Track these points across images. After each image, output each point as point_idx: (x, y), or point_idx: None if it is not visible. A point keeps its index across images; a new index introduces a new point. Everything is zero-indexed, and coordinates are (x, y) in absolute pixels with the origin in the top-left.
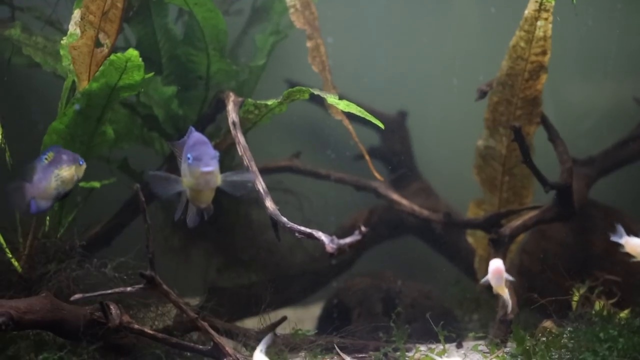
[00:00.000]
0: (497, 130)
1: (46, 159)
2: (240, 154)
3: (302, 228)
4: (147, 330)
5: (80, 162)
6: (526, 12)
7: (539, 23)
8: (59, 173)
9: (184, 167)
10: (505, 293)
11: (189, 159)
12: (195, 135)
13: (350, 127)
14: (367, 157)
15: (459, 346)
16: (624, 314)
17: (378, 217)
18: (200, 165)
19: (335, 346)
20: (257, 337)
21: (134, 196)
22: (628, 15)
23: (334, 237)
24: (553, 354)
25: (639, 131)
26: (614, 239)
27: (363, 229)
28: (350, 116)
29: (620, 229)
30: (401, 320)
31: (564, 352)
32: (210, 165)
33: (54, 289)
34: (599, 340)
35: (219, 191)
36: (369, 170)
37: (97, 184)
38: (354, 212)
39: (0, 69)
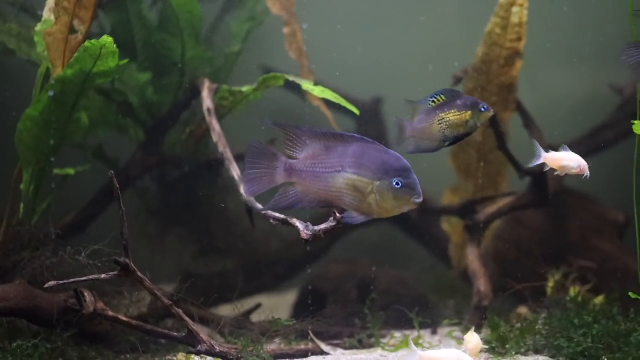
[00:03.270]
0: None
1: (433, 101)
2: (215, 140)
3: (277, 215)
4: (122, 317)
5: (483, 109)
6: None
7: (514, 9)
8: (444, 117)
9: (382, 187)
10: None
11: (397, 183)
12: (397, 156)
13: (328, 113)
14: None
15: (434, 333)
16: (598, 300)
17: None
18: (414, 196)
19: (310, 333)
20: (232, 324)
21: (109, 183)
22: (604, 1)
23: (309, 223)
24: (528, 340)
25: (615, 118)
26: (534, 163)
27: (338, 215)
28: (326, 103)
29: (537, 147)
30: (376, 307)
31: (538, 338)
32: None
33: (28, 277)
34: (573, 327)
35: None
36: None
37: (71, 171)
38: None
39: None
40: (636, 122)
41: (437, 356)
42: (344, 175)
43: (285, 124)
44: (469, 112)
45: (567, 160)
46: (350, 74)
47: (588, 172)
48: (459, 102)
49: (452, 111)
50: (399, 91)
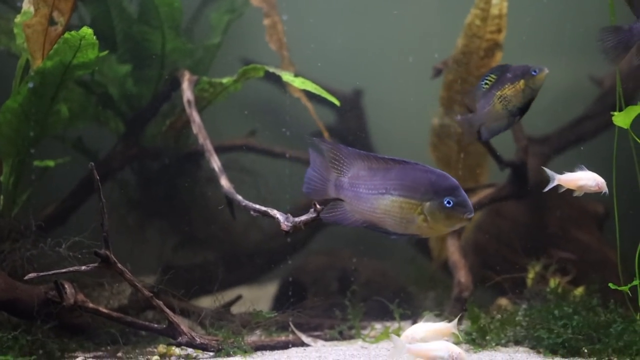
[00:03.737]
0: (452, 108)
1: (486, 83)
2: (195, 132)
3: (257, 206)
4: (102, 309)
5: (534, 72)
6: None
7: (494, 1)
8: (501, 94)
9: (433, 207)
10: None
11: (448, 202)
12: (443, 174)
13: (309, 104)
14: (326, 134)
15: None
16: (578, 291)
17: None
18: (466, 213)
19: (291, 324)
20: (213, 316)
21: (89, 175)
22: None
23: (289, 215)
24: (508, 331)
25: (594, 109)
26: (549, 187)
27: (318, 207)
28: (306, 94)
29: (549, 173)
30: (357, 299)
31: (518, 330)
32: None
33: (7, 269)
34: (553, 318)
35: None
36: None
37: (51, 163)
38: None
39: None
40: (615, 113)
41: (425, 348)
42: (389, 197)
43: (331, 142)
44: (522, 81)
45: (584, 180)
46: (330, 65)
47: (606, 189)
48: (509, 74)
49: (506, 85)
50: (380, 83)
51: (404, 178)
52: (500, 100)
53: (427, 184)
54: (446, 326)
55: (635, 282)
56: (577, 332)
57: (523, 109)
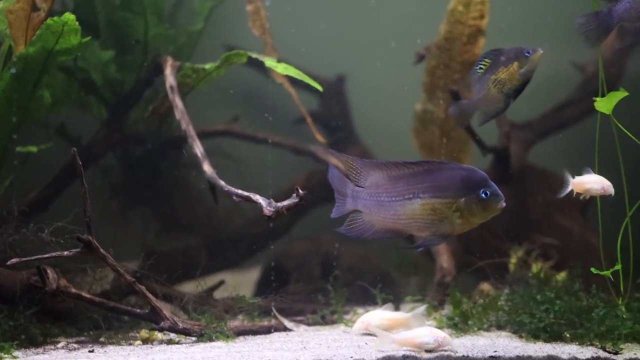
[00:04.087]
0: (435, 94)
1: (480, 68)
2: (178, 118)
3: (240, 191)
4: (85, 294)
5: (527, 53)
6: None
7: None
8: (496, 77)
9: (469, 202)
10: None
11: (485, 194)
12: (472, 168)
13: (292, 90)
14: (309, 119)
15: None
16: (560, 276)
17: (316, 180)
18: (500, 201)
19: (273, 309)
20: (195, 301)
21: (72, 160)
22: None
23: (272, 200)
24: (490, 316)
25: (577, 96)
26: (564, 192)
27: (300, 192)
28: (290, 80)
29: (566, 176)
30: (339, 284)
31: (501, 315)
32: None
33: None
34: (535, 303)
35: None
36: (308, 134)
37: (34, 149)
38: (292, 175)
39: None
40: (597, 99)
41: (410, 336)
42: (418, 201)
43: (348, 156)
44: (516, 63)
45: (590, 184)
46: (314, 51)
47: (612, 192)
48: (502, 58)
49: (500, 69)
50: (363, 68)
51: (434, 179)
52: (495, 84)
53: (459, 181)
54: (404, 316)
55: (617, 267)
56: (559, 317)
57: (518, 91)
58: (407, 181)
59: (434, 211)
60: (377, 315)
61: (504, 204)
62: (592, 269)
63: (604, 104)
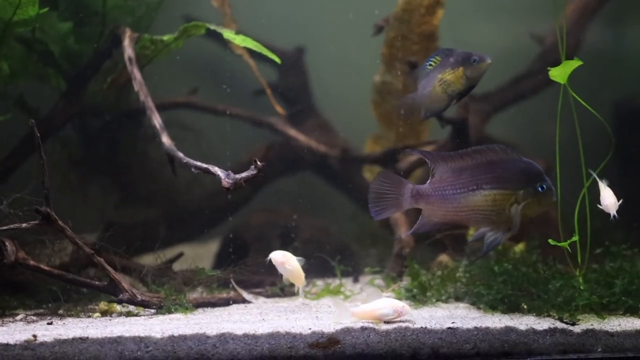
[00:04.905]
0: (393, 65)
1: (430, 65)
2: (136, 89)
3: (198, 163)
4: (43, 266)
5: (474, 61)
6: None
7: None
8: (442, 77)
9: (527, 194)
10: (298, 281)
11: (541, 187)
12: (530, 161)
13: (251, 61)
14: (269, 91)
15: (356, 281)
16: (518, 248)
17: (275, 152)
18: (553, 196)
19: (232, 281)
20: (155, 273)
21: (30, 132)
22: None
23: (230, 172)
24: (448, 287)
25: (536, 67)
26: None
27: (259, 163)
28: (249, 52)
29: (601, 184)
30: (298, 255)
31: (459, 286)
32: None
33: None
34: (493, 274)
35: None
36: (266, 106)
37: None
38: (251, 147)
39: None
40: (552, 68)
41: (369, 308)
42: (481, 192)
43: (424, 151)
44: (462, 68)
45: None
46: (273, 23)
47: (614, 212)
48: (451, 59)
49: (447, 70)
50: (321, 40)
51: (495, 170)
52: (440, 83)
53: (519, 173)
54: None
55: (574, 239)
56: (516, 289)
57: (461, 94)
58: (471, 172)
59: (495, 202)
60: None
61: (555, 199)
62: (550, 241)
63: (559, 73)
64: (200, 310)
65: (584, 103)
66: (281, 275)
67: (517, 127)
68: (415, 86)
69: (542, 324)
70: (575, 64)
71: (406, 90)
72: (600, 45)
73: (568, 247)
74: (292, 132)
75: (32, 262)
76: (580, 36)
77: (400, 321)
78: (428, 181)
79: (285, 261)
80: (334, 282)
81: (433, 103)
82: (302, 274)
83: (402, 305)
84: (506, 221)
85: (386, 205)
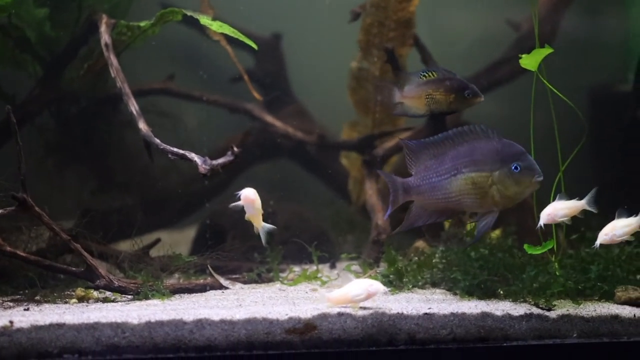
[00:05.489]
0: (370, 52)
1: (424, 76)
2: (113, 75)
3: (175, 149)
4: (20, 252)
5: (468, 94)
6: None
7: None
8: (431, 93)
9: (502, 175)
10: (258, 223)
11: (516, 168)
12: (509, 142)
13: (228, 47)
14: (246, 77)
15: (332, 267)
16: (495, 233)
17: (252, 139)
18: (535, 175)
19: (209, 267)
20: (132, 259)
21: (6, 118)
22: None
23: (207, 158)
24: (425, 273)
25: (511, 53)
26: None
27: (236, 149)
28: (226, 38)
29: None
30: (275, 242)
31: (435, 272)
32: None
33: None
34: (470, 260)
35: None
36: (243, 92)
37: None
38: (228, 134)
39: None
40: (523, 56)
41: (345, 292)
42: (461, 176)
43: (405, 140)
44: (453, 95)
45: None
46: (250, 9)
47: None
48: (447, 82)
49: (440, 90)
50: (298, 26)
51: (472, 152)
52: (427, 97)
53: (494, 153)
54: None
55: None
56: (493, 274)
57: (440, 114)
58: (452, 157)
59: (475, 185)
60: None
61: (539, 179)
62: (526, 247)
63: (530, 61)
64: (177, 296)
65: (554, 90)
66: (258, 262)
67: (493, 113)
68: (396, 82)
69: (518, 309)
70: (545, 51)
71: (384, 77)
72: (577, 32)
73: (541, 234)
74: (269, 119)
75: (8, 249)
76: (556, 23)
77: (377, 308)
78: (413, 172)
79: (255, 200)
80: (311, 268)
81: (411, 108)
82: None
83: (371, 283)
84: (494, 203)
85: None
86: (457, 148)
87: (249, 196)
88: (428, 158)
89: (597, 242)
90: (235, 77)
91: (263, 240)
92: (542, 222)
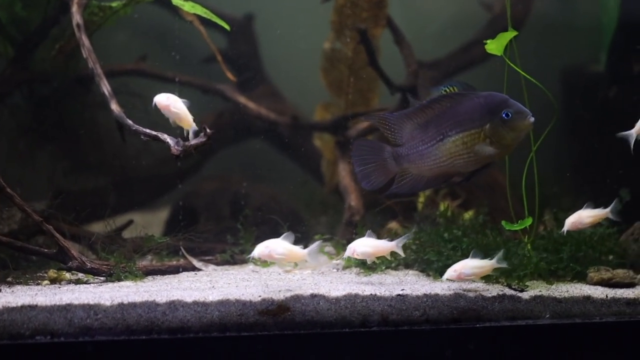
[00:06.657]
0: (343, 32)
1: (445, 90)
2: (85, 56)
3: (148, 130)
4: None
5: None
6: None
7: None
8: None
9: (494, 126)
10: (188, 123)
11: (507, 115)
12: (488, 93)
13: (201, 28)
14: (219, 58)
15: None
16: (468, 214)
17: (225, 120)
18: (527, 117)
19: (182, 248)
20: (104, 241)
21: None
22: None
23: (179, 139)
24: (398, 255)
25: (484, 34)
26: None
27: (208, 131)
28: (199, 19)
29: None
30: (249, 223)
31: (408, 253)
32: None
33: None
34: (443, 241)
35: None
36: (215, 73)
37: None
38: (201, 115)
39: None
40: (488, 41)
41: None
42: (449, 140)
43: (382, 114)
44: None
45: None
46: None
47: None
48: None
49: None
50: (270, 7)
51: (455, 115)
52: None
53: (479, 109)
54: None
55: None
56: (466, 254)
57: None
58: (435, 124)
59: (466, 145)
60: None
61: (532, 119)
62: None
63: (495, 46)
64: (150, 277)
65: (522, 72)
66: (231, 243)
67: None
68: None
69: (491, 290)
70: (509, 35)
71: (355, 57)
72: (551, 12)
73: (513, 214)
74: (242, 100)
75: None
76: (528, 3)
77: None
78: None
79: (170, 104)
80: None
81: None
82: (190, 117)
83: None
84: (491, 156)
85: (375, 173)
86: (439, 113)
87: (161, 102)
88: (412, 128)
89: (564, 229)
90: (208, 57)
91: (190, 138)
92: (565, 228)
